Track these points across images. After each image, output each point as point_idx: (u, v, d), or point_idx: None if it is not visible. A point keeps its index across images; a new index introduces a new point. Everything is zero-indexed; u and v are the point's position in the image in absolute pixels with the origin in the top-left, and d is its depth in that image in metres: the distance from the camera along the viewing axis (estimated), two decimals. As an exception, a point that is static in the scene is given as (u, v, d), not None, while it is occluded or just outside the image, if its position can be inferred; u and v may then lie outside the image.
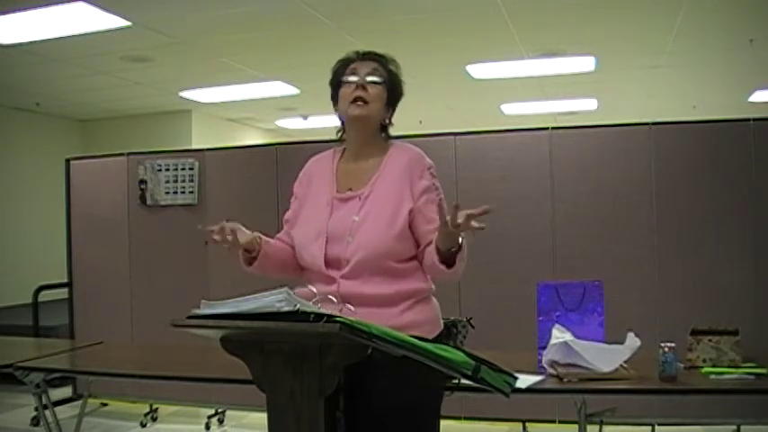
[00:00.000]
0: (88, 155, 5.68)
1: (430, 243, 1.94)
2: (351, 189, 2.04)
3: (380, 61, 2.09)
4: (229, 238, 1.92)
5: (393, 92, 2.09)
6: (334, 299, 1.88)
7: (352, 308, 1.86)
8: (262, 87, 7.53)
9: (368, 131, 2.07)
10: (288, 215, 2.17)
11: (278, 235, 2.18)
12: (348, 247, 1.93)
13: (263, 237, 2.06)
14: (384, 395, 1.85)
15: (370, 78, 2.03)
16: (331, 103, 2.14)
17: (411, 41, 5.65)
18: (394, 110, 2.13)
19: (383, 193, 1.99)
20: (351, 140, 2.12)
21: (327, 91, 2.14)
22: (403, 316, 1.91)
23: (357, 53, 2.11)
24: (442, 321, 2.08)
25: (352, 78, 2.04)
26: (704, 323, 2.82)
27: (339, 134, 2.16)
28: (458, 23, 5.42)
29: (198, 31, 5.45)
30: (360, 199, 2.00)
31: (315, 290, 1.89)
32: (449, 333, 2.24)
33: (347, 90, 2.04)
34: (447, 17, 5.27)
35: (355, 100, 2.01)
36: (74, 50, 5.74)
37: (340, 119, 2.12)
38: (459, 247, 1.87)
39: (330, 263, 1.95)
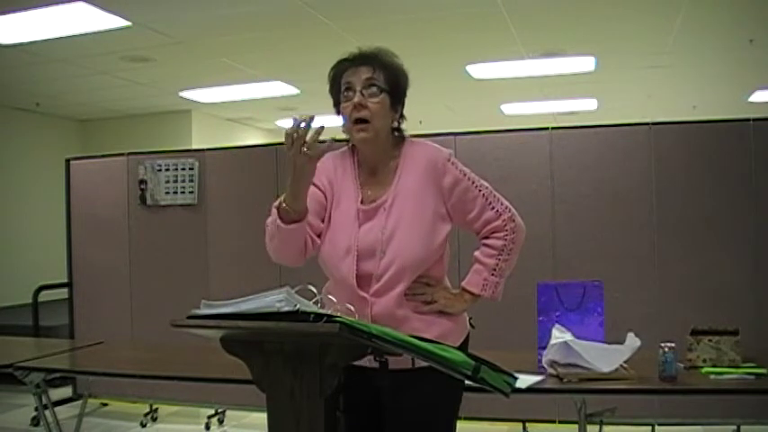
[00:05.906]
0: (88, 155, 5.68)
1: (479, 233, 2.02)
2: (374, 201, 1.94)
3: (374, 64, 1.94)
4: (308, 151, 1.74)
5: (395, 91, 1.96)
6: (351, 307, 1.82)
7: (351, 308, 1.86)
8: (262, 87, 7.53)
9: (378, 146, 1.97)
10: (316, 207, 1.95)
11: None
12: (381, 261, 1.88)
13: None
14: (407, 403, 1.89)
15: (366, 92, 1.91)
16: (331, 101, 2.08)
17: (411, 41, 5.64)
18: (402, 108, 2.01)
19: (405, 200, 1.92)
20: (363, 157, 2.01)
21: (327, 91, 2.10)
22: (430, 329, 1.88)
23: (348, 59, 1.97)
24: (468, 324, 2.05)
25: (351, 95, 1.92)
26: (704, 323, 2.82)
27: (350, 145, 2.05)
28: (458, 23, 5.41)
29: (198, 31, 5.45)
30: (384, 209, 1.92)
31: (347, 306, 1.81)
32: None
33: (346, 107, 1.94)
34: (447, 17, 5.26)
35: (356, 122, 1.91)
36: (74, 50, 5.74)
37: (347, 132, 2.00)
38: (476, 294, 1.99)
39: (361, 279, 1.88)
